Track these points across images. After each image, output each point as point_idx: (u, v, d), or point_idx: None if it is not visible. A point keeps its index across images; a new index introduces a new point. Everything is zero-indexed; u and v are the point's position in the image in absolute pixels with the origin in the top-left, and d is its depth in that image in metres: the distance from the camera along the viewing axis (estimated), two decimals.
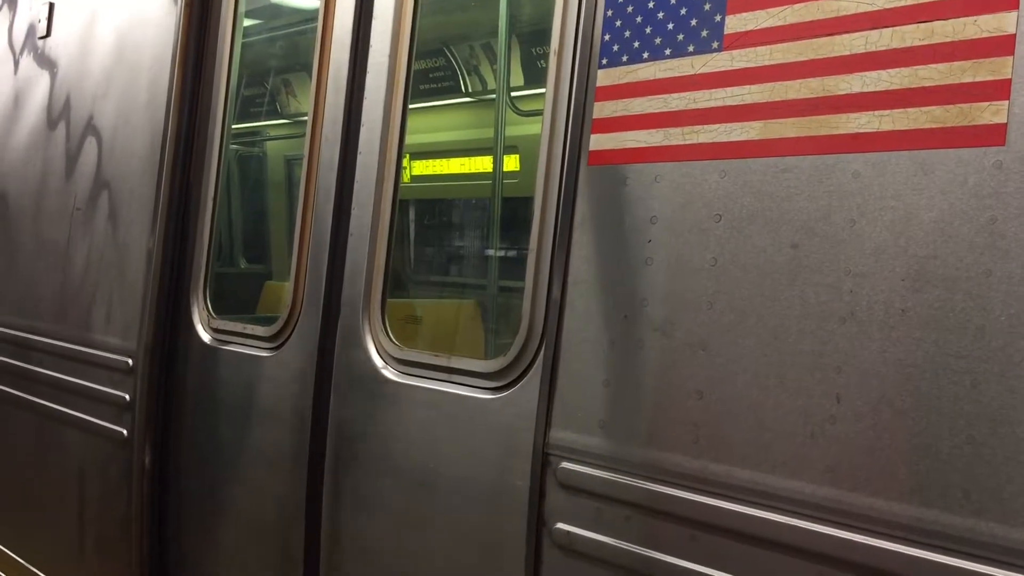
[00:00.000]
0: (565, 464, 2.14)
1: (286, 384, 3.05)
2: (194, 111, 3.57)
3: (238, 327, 3.33)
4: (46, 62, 4.39)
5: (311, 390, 2.94)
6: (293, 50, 6.54)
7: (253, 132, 7.70)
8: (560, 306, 2.20)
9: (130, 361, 3.56)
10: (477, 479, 2.41)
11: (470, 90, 6.65)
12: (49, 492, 4.01)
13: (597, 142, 2.17)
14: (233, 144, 6.17)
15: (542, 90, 2.41)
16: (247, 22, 4.14)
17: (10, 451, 4.29)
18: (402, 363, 2.70)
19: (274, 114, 7.50)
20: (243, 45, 3.63)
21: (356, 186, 2.91)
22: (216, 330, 3.42)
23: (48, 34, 4.43)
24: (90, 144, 4.01)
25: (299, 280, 3.06)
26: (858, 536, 1.69)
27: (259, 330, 3.22)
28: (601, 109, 2.17)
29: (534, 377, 2.27)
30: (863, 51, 1.77)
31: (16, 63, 4.61)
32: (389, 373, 2.71)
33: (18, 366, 4.19)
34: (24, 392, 4.14)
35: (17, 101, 4.54)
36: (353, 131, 2.94)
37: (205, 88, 3.56)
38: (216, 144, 3.52)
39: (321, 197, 3.02)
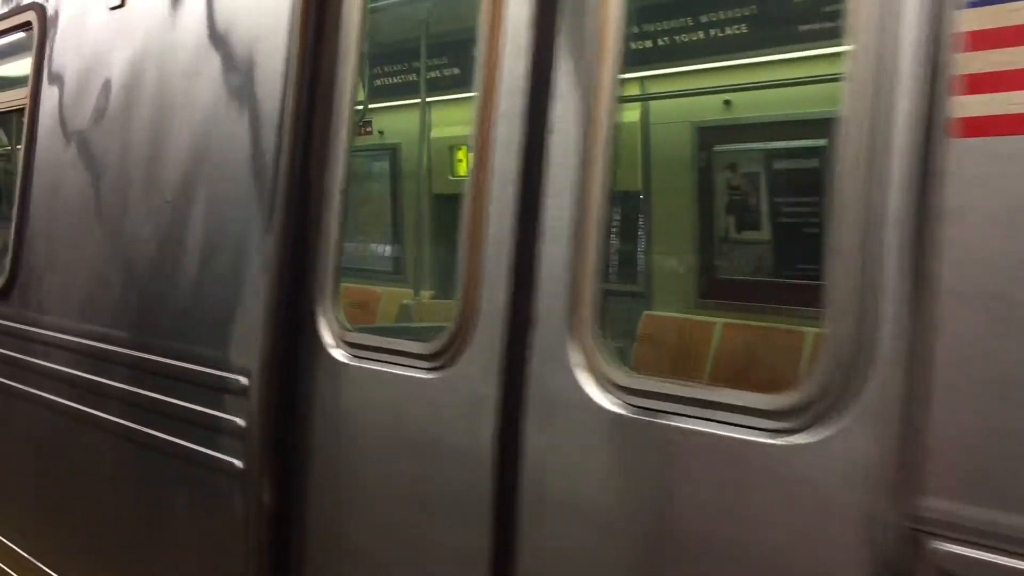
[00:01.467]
0: (946, 545, 1.58)
1: (455, 411, 2.52)
2: (315, 88, 3.03)
3: (382, 342, 2.80)
4: (121, 36, 3.86)
5: (493, 420, 2.41)
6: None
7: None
8: (914, 320, 1.66)
9: (244, 380, 3.03)
10: (763, 550, 1.87)
11: None
12: (146, 531, 3.47)
13: (964, 106, 1.63)
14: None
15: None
16: None
17: (98, 484, 3.74)
18: (628, 392, 2.16)
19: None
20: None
21: (550, 171, 2.37)
22: (351, 344, 2.88)
23: (122, 4, 3.91)
24: (180, 128, 3.48)
25: (471, 286, 2.52)
26: None
27: (413, 346, 2.68)
28: (969, 62, 1.63)
29: (862, 418, 1.72)
30: None
31: (87, 37, 4.08)
32: (611, 404, 2.17)
33: (101, 383, 3.65)
34: (112, 414, 3.60)
35: (90, 80, 4.00)
36: (539, 103, 2.41)
37: (327, 61, 3.02)
38: (343, 127, 2.98)
39: (497, 185, 2.48)
